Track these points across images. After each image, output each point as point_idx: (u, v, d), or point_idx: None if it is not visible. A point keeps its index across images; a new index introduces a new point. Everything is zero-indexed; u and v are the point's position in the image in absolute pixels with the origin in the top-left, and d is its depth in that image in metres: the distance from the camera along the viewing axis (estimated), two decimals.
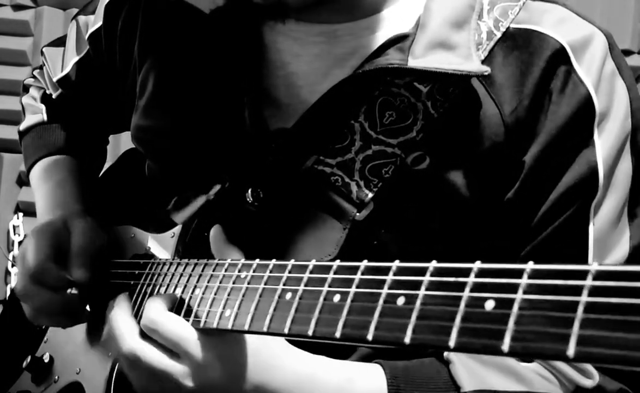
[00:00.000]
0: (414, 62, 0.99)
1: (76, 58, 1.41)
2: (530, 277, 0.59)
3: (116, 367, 1.13)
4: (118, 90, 1.31)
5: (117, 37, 1.27)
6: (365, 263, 0.76)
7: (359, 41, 1.07)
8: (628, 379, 0.98)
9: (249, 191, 1.07)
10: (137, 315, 1.04)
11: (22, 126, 1.55)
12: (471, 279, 0.63)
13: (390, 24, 1.06)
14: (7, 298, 1.59)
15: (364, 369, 0.99)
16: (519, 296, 0.59)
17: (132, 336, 0.96)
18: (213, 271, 0.98)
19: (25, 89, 1.59)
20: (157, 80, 1.19)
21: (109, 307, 1.05)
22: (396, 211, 1.03)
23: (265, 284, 0.87)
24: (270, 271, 0.87)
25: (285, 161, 1.07)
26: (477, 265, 0.64)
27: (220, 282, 0.94)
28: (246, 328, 0.86)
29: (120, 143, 2.49)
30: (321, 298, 0.77)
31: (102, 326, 1.20)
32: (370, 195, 1.02)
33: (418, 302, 0.67)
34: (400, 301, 0.68)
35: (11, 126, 2.82)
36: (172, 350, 0.93)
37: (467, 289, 0.63)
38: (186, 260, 1.05)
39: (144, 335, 0.96)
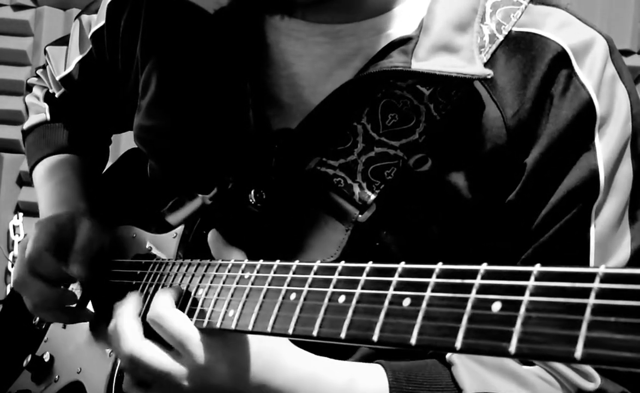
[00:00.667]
0: (417, 65, 1.00)
1: (79, 57, 1.41)
2: (537, 279, 0.59)
3: (117, 366, 1.13)
4: (120, 89, 1.31)
5: (119, 37, 1.27)
6: (370, 264, 0.76)
7: (362, 42, 1.07)
8: (630, 382, 0.98)
9: (252, 192, 1.07)
10: (139, 314, 1.04)
11: (25, 125, 1.55)
12: (478, 281, 0.63)
13: (393, 26, 1.07)
14: (7, 297, 1.58)
15: (366, 370, 1.00)
16: (526, 298, 0.59)
17: (133, 337, 0.96)
18: (216, 271, 0.97)
19: (29, 88, 1.59)
20: (160, 80, 1.19)
21: (117, 305, 1.05)
22: (398, 213, 1.03)
23: (269, 285, 0.87)
24: (274, 272, 0.87)
25: (288, 162, 1.07)
26: (484, 266, 0.65)
27: (224, 282, 0.94)
28: (250, 328, 0.86)
29: (121, 143, 2.49)
30: (326, 299, 0.77)
31: (103, 325, 1.21)
32: (373, 197, 1.03)
33: (424, 303, 0.67)
34: (406, 302, 0.69)
35: (11, 126, 2.82)
36: (175, 347, 0.93)
37: (474, 291, 0.63)
38: (189, 260, 1.05)
39: (147, 333, 0.96)
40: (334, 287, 0.78)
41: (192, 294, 0.98)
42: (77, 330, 1.27)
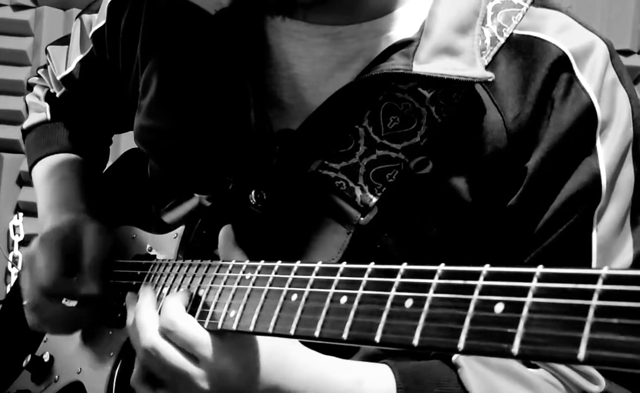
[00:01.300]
0: (418, 68, 1.00)
1: (80, 56, 1.41)
2: (540, 280, 0.59)
3: (117, 366, 1.13)
4: (121, 89, 1.31)
5: (120, 36, 1.27)
6: (372, 265, 0.76)
7: (362, 44, 1.07)
8: (635, 385, 0.98)
9: (253, 192, 1.07)
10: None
11: (26, 124, 1.55)
12: (480, 282, 0.63)
13: (394, 28, 1.07)
14: (6, 297, 1.58)
15: (373, 370, 1.00)
16: (529, 299, 0.59)
17: (154, 330, 0.96)
18: (217, 272, 0.98)
19: (30, 87, 1.59)
20: (161, 80, 1.19)
21: (131, 297, 1.05)
22: (400, 215, 1.03)
23: (270, 285, 0.87)
24: (276, 273, 0.87)
25: (289, 163, 1.07)
26: (487, 268, 0.65)
27: (225, 283, 0.94)
28: (251, 329, 0.86)
29: (121, 143, 2.49)
30: (327, 300, 0.77)
31: (103, 326, 1.21)
32: (375, 200, 1.03)
33: (426, 305, 0.67)
34: (409, 303, 0.69)
35: (11, 126, 2.82)
36: (189, 352, 0.93)
37: (477, 292, 0.63)
38: (189, 261, 1.05)
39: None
40: (336, 288, 0.78)
41: (193, 295, 0.98)
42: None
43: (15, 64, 2.94)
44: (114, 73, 1.32)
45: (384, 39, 1.06)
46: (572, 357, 0.53)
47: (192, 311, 0.96)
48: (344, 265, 0.79)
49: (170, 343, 0.94)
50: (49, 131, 1.51)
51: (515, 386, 0.96)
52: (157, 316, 0.98)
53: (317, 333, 0.77)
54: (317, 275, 0.81)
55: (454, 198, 1.02)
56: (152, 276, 1.11)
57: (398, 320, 0.69)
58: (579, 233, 1.01)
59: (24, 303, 1.24)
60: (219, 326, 0.91)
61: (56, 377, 1.26)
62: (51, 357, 1.29)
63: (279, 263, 0.88)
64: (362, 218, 1.03)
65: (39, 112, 1.54)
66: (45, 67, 1.55)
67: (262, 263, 0.91)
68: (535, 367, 0.98)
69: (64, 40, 1.50)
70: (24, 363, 1.30)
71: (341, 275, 0.78)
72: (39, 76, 1.57)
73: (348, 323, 0.74)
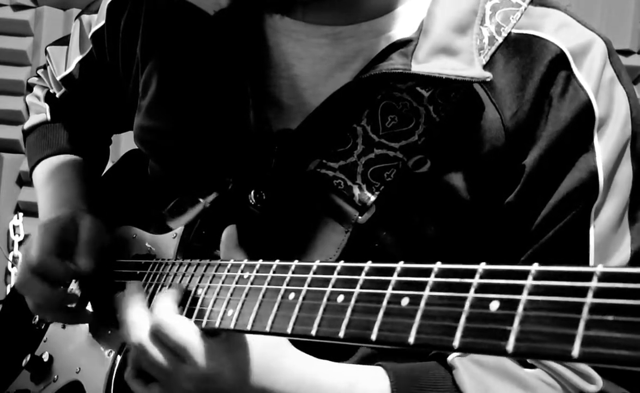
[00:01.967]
0: (417, 68, 1.00)
1: (80, 57, 1.42)
2: (535, 278, 0.59)
3: (116, 366, 1.13)
4: (121, 89, 1.31)
5: (119, 37, 1.28)
6: (369, 264, 0.76)
7: (362, 44, 1.07)
8: (632, 384, 0.98)
9: (252, 192, 1.07)
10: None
11: (26, 125, 1.55)
12: (476, 280, 0.64)
13: (393, 27, 1.07)
14: (7, 297, 1.58)
15: (367, 372, 1.00)
16: (524, 297, 0.59)
17: (143, 328, 0.96)
18: (215, 271, 0.98)
19: (30, 88, 1.59)
20: (160, 80, 1.19)
21: (119, 297, 1.05)
22: (398, 214, 1.04)
23: (268, 284, 0.87)
24: (274, 272, 0.87)
25: (288, 163, 1.07)
26: (482, 266, 0.65)
27: (223, 282, 0.95)
28: (249, 328, 0.86)
29: (121, 144, 2.49)
30: (324, 299, 0.78)
31: (102, 325, 1.21)
32: (373, 198, 1.03)
33: (422, 303, 0.67)
34: (405, 302, 0.69)
35: (11, 126, 2.82)
36: (178, 354, 0.93)
37: (472, 290, 0.63)
38: (188, 260, 1.05)
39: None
40: (333, 287, 0.78)
41: (192, 294, 0.99)
42: (77, 330, 1.27)
43: (15, 64, 2.94)
44: (114, 74, 1.33)
45: (384, 39, 1.06)
46: (566, 355, 0.53)
47: (190, 310, 0.97)
48: (341, 263, 0.79)
49: (158, 343, 0.95)
50: (49, 132, 1.51)
51: (510, 386, 0.96)
52: (147, 314, 0.98)
53: (313, 332, 0.77)
54: (314, 273, 0.81)
55: (452, 196, 1.02)
56: (151, 275, 1.12)
57: (394, 317, 0.69)
58: (576, 230, 1.01)
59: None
60: (217, 324, 0.91)
61: (55, 376, 1.26)
62: (50, 357, 1.29)
63: (277, 262, 0.88)
64: (360, 217, 1.03)
65: (39, 113, 1.54)
66: (44, 67, 1.55)
67: (260, 262, 0.91)
68: (532, 367, 0.98)
69: (64, 41, 1.50)
70: (24, 363, 1.30)
71: (339, 274, 0.78)
72: (38, 76, 1.57)
73: (345, 322, 0.74)
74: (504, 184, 1.02)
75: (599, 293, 0.54)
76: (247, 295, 0.89)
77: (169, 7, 1.18)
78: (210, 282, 0.97)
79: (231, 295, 0.91)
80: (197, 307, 0.96)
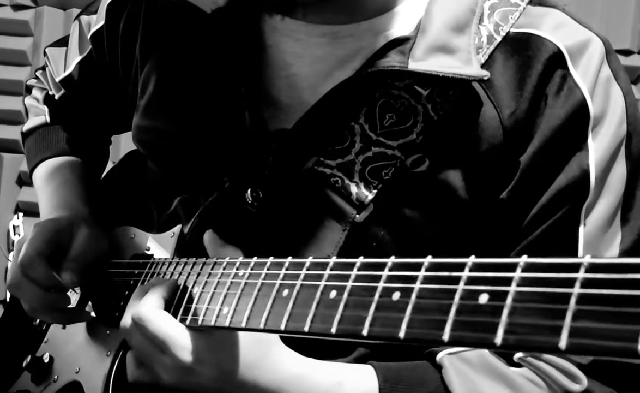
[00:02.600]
0: (414, 65, 1.00)
1: (79, 58, 1.42)
2: (524, 270, 0.59)
3: (115, 365, 1.13)
4: (120, 90, 1.32)
5: (119, 37, 1.28)
6: (361, 259, 0.76)
7: (361, 43, 1.07)
8: (617, 383, 0.98)
9: (249, 191, 1.07)
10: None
11: (25, 127, 1.55)
12: (465, 273, 0.64)
13: (392, 26, 1.07)
14: (7, 299, 1.58)
15: (356, 371, 1.00)
16: (513, 288, 0.59)
17: (130, 314, 0.99)
18: (211, 269, 0.98)
19: (28, 89, 1.59)
20: (158, 80, 1.19)
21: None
22: (395, 213, 1.03)
23: (262, 281, 0.87)
24: (268, 269, 0.88)
25: (285, 161, 1.07)
26: (472, 259, 0.65)
27: (219, 280, 0.95)
28: (243, 325, 0.86)
29: (121, 144, 2.49)
30: (318, 293, 0.78)
31: (102, 325, 1.21)
32: (370, 197, 1.03)
33: (413, 296, 0.67)
34: (396, 296, 0.69)
35: (11, 126, 2.82)
36: (159, 347, 0.95)
37: (462, 282, 0.63)
38: (185, 259, 1.05)
39: None
40: (326, 282, 0.78)
41: (188, 292, 0.99)
42: (77, 330, 1.27)
43: (15, 64, 2.94)
44: (113, 74, 1.33)
45: (382, 38, 1.06)
46: (553, 346, 0.53)
47: (186, 309, 0.97)
48: (334, 259, 0.79)
49: (139, 332, 0.97)
50: (48, 133, 1.51)
51: (497, 385, 0.96)
52: (138, 303, 1.00)
53: (306, 328, 0.77)
54: (308, 269, 0.82)
55: (450, 195, 1.02)
56: (149, 275, 1.12)
57: (385, 312, 0.69)
58: (566, 228, 1.00)
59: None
60: (212, 323, 0.91)
61: (55, 377, 1.26)
62: (51, 358, 1.29)
63: (271, 259, 0.88)
64: (357, 215, 1.03)
65: (38, 115, 1.54)
66: (43, 68, 1.55)
67: (255, 259, 0.91)
68: (518, 365, 0.98)
69: (63, 42, 1.50)
70: (24, 364, 1.31)
71: (331, 269, 0.79)
72: (37, 78, 1.57)
73: (337, 317, 0.74)
74: (502, 182, 1.01)
75: (586, 283, 0.54)
76: (242, 293, 0.89)
77: (168, 7, 1.18)
78: (206, 280, 0.97)
79: (226, 293, 0.92)
80: (193, 305, 0.96)
